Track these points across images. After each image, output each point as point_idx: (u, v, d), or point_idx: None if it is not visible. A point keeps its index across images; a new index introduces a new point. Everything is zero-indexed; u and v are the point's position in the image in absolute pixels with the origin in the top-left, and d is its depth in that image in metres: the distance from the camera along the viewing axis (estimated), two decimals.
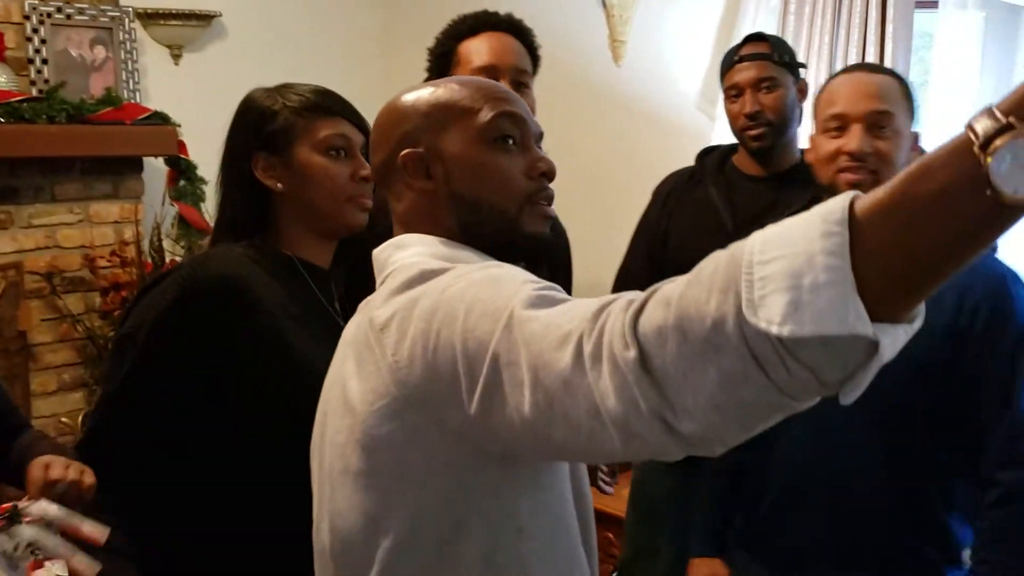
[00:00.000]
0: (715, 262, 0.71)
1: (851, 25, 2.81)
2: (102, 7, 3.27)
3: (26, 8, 3.11)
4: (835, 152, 1.51)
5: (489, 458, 0.93)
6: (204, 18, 3.57)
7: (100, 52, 3.26)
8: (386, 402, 0.94)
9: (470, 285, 0.90)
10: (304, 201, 1.41)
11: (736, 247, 0.70)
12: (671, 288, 0.73)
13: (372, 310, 0.99)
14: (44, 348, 3.16)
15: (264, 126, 1.41)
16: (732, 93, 2.13)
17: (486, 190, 1.05)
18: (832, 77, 1.64)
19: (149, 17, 3.46)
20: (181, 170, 3.34)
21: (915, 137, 1.56)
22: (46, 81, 3.12)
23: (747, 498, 1.69)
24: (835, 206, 0.66)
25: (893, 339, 0.66)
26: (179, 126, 3.30)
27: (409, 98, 1.11)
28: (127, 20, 3.32)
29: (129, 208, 3.31)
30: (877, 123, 1.50)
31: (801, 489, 1.60)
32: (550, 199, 1.08)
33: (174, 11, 3.49)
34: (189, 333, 1.32)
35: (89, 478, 1.32)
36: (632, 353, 0.72)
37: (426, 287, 0.94)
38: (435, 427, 0.91)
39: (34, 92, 3.08)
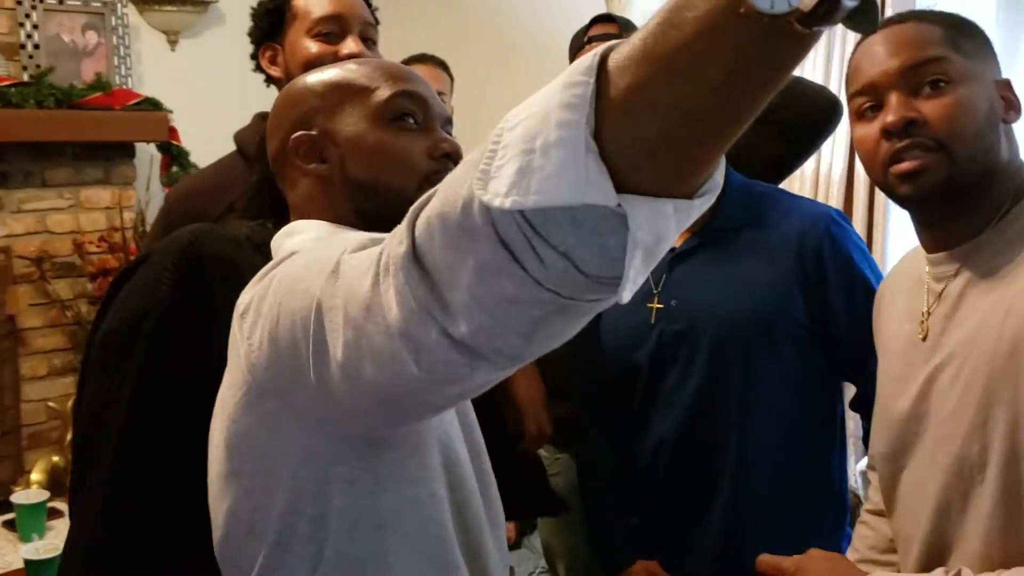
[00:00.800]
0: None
1: None
2: None
3: None
4: None
5: (347, 446, 0.87)
6: (200, 4, 3.55)
7: (92, 37, 3.26)
8: (243, 392, 0.88)
9: (316, 249, 0.84)
10: None
11: None
12: (450, 174, 0.64)
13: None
14: (34, 333, 3.17)
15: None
16: None
17: (382, 171, 0.98)
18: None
19: (145, 3, 3.45)
20: (173, 156, 3.33)
21: None
22: (38, 66, 3.12)
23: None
24: (589, 55, 0.54)
25: (654, 214, 0.54)
26: (171, 112, 3.29)
27: (305, 80, 1.06)
28: (119, 6, 3.31)
29: (120, 194, 3.30)
30: None
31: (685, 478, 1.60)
32: None
33: None
34: (193, 321, 1.15)
35: None
36: (403, 247, 0.64)
37: (285, 263, 0.87)
38: (290, 414, 0.85)
39: (26, 77, 3.09)
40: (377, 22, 1.63)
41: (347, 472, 0.87)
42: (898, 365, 1.23)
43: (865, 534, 1.42)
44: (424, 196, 0.65)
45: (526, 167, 0.54)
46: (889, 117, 1.09)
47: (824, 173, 2.78)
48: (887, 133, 1.09)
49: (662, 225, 0.55)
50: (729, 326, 1.51)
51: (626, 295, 0.56)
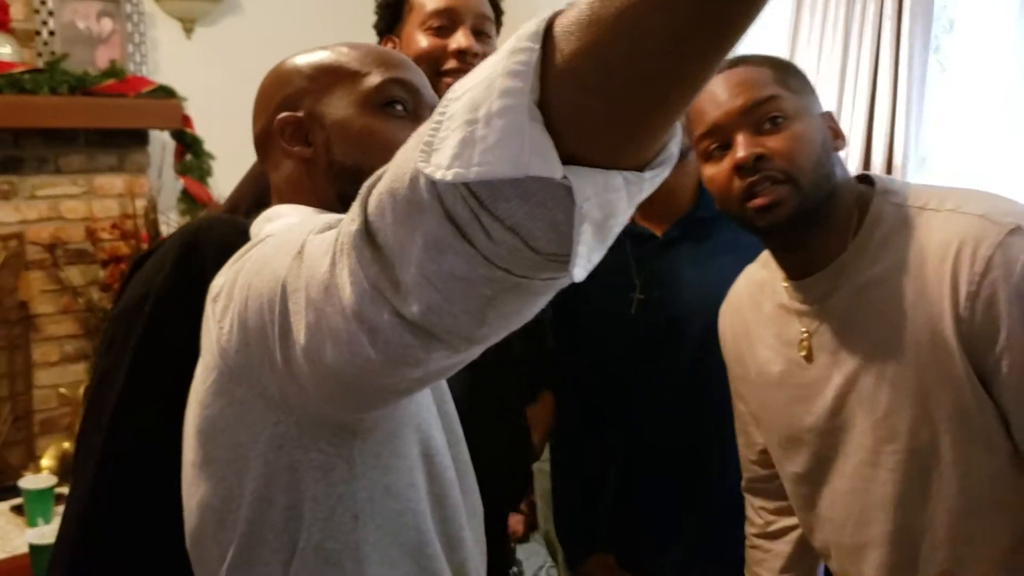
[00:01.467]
0: None
1: (867, 1, 2.66)
2: None
3: None
4: None
5: (319, 433, 0.85)
6: None
7: (107, 24, 3.26)
8: (214, 377, 0.87)
9: (288, 231, 0.82)
10: None
11: None
12: (401, 148, 0.62)
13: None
14: (46, 319, 3.18)
15: None
16: None
17: (368, 156, 0.96)
18: None
19: None
20: (187, 144, 3.33)
21: None
22: (52, 53, 3.12)
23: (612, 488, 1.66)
24: (535, 21, 0.52)
25: (602, 186, 0.51)
26: (185, 100, 3.29)
27: (294, 61, 1.04)
28: None
29: (133, 181, 3.30)
30: None
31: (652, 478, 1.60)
32: None
33: None
34: (189, 304, 1.13)
35: None
36: (356, 225, 0.61)
37: (258, 246, 0.86)
38: (260, 399, 0.83)
39: (40, 64, 3.09)
40: (500, 12, 1.59)
41: (320, 460, 0.85)
42: (789, 390, 1.28)
43: (762, 558, 1.45)
44: (378, 172, 0.62)
45: (469, 138, 0.51)
46: (740, 153, 1.17)
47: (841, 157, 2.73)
48: (739, 169, 1.17)
49: (612, 198, 0.52)
50: (712, 320, 1.49)
51: (578, 273, 0.53)
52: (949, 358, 1.10)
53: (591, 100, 0.49)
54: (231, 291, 0.84)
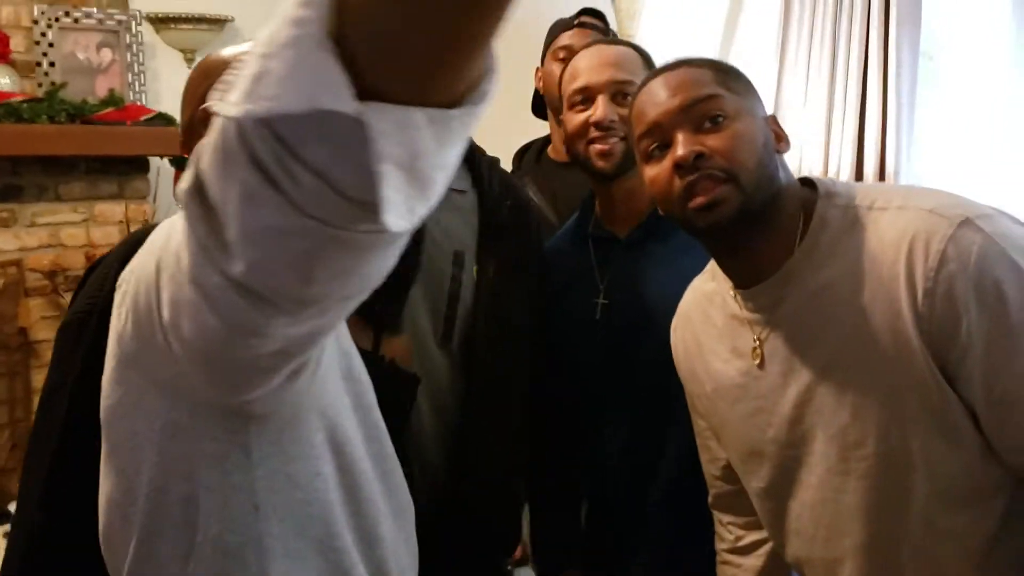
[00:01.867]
0: None
1: (854, 9, 2.64)
2: (109, 11, 3.33)
3: (35, 13, 3.18)
4: (583, 124, 1.52)
5: (212, 420, 0.83)
6: (216, 23, 3.59)
7: (107, 55, 3.31)
8: (113, 364, 0.86)
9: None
10: None
11: None
12: None
13: None
14: (46, 345, 3.20)
15: None
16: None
17: None
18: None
19: (161, 22, 3.50)
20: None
21: None
22: (52, 83, 3.18)
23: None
24: None
25: (402, 123, 0.48)
26: None
27: (220, 54, 1.06)
28: (134, 24, 3.36)
29: (135, 208, 3.34)
30: (621, 91, 1.50)
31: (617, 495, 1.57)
32: None
33: (185, 15, 3.52)
34: None
35: None
36: (187, 183, 0.58)
37: (156, 231, 0.85)
38: (153, 386, 0.82)
39: (40, 94, 3.14)
40: None
41: (215, 448, 0.84)
42: (747, 402, 1.24)
43: (733, 573, 1.42)
44: None
45: (261, 72, 0.48)
46: (679, 151, 1.14)
47: (832, 173, 2.71)
48: (679, 168, 1.14)
49: (413, 137, 0.49)
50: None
51: (392, 220, 0.49)
52: (912, 356, 1.07)
53: (384, 27, 0.47)
54: (130, 278, 0.84)
